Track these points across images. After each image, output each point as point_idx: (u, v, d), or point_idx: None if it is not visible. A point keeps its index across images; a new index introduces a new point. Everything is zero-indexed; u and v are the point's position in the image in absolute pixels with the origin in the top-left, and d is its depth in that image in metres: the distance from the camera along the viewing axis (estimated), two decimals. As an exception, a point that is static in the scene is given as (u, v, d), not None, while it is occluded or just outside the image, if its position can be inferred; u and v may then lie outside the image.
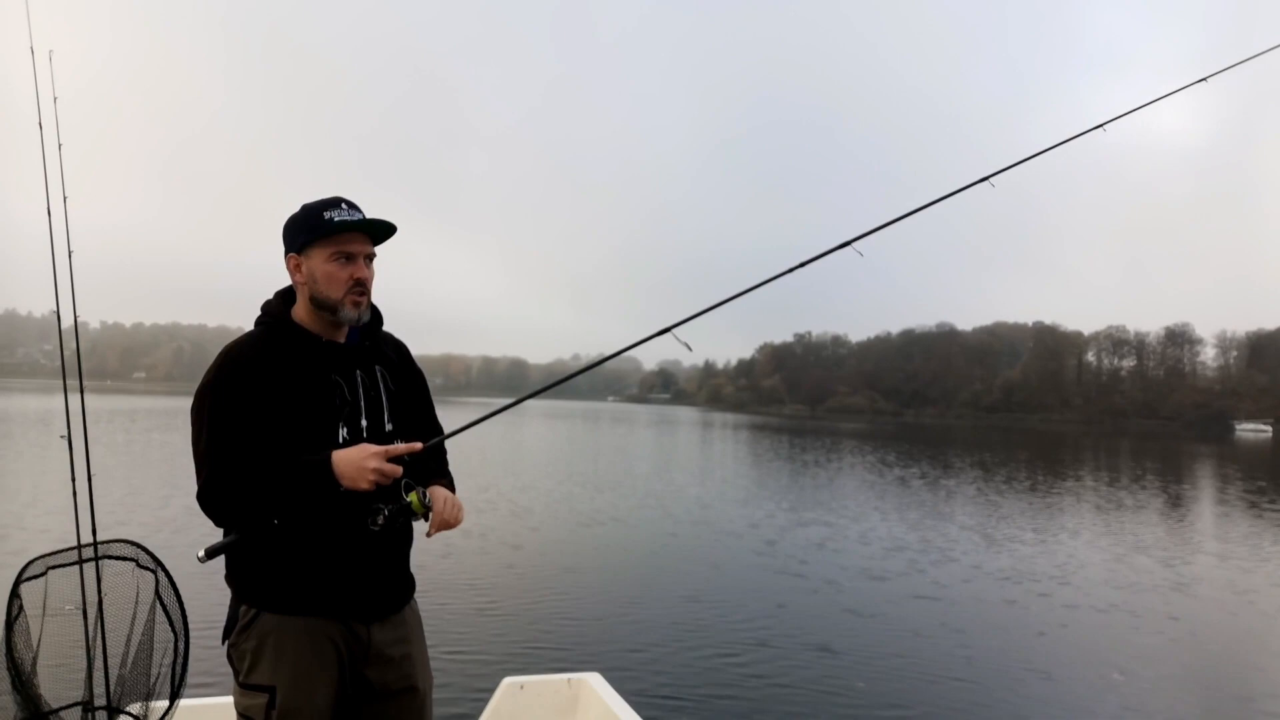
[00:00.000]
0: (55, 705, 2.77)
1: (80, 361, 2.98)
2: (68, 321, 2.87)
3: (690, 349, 2.53)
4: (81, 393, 2.93)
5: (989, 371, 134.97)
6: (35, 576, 2.79)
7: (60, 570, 2.83)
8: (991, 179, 2.89)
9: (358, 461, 2.15)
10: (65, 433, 2.86)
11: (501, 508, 15.79)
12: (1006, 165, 2.94)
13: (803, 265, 2.66)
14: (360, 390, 2.36)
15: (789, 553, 12.64)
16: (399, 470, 2.20)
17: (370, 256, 2.36)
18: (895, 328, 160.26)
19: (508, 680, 3.99)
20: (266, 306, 2.39)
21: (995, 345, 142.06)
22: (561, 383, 2.76)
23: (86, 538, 2.87)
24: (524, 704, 3.91)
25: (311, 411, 2.26)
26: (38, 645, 2.77)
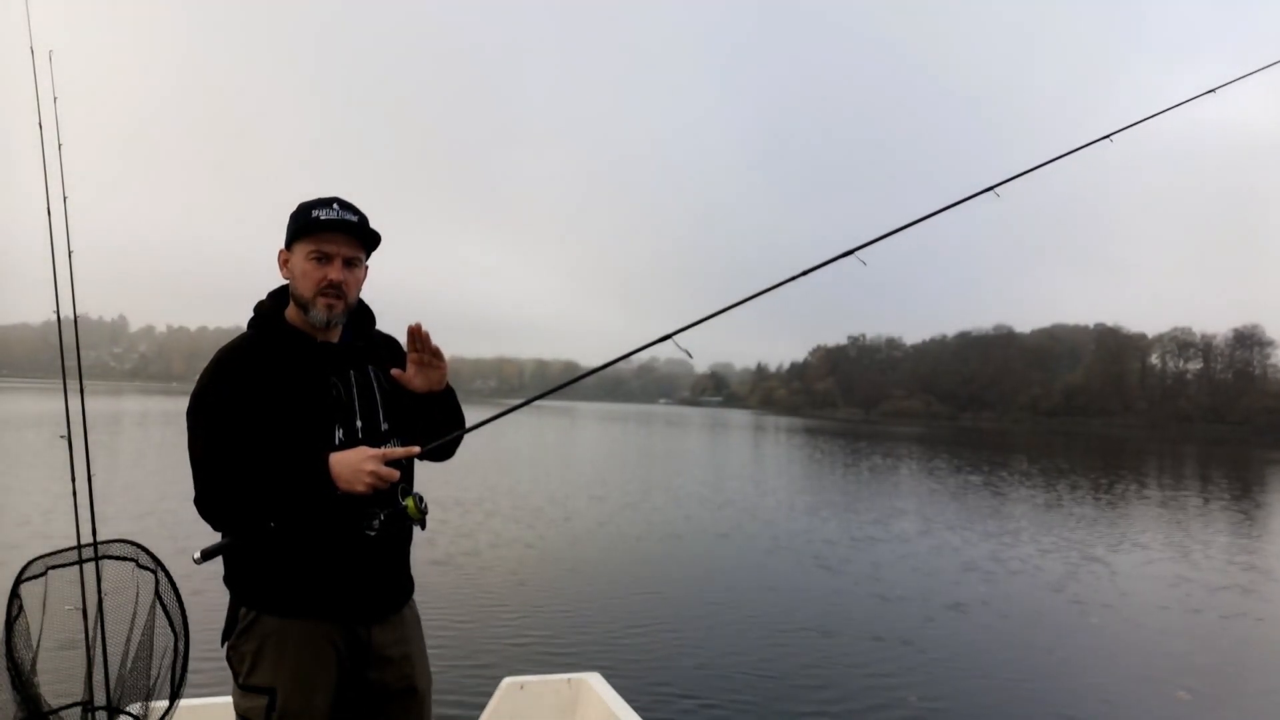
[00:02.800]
0: (55, 705, 2.79)
1: (80, 362, 2.99)
2: (69, 322, 2.88)
3: (690, 356, 2.51)
4: (81, 393, 2.95)
5: (1048, 374, 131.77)
6: (35, 576, 2.80)
7: (60, 570, 2.84)
8: (997, 189, 2.79)
9: (355, 464, 2.14)
10: (65, 433, 2.86)
11: (514, 510, 15.68)
12: (1010, 176, 2.83)
13: (805, 274, 2.59)
14: (354, 390, 2.34)
15: (810, 554, 12.48)
16: (396, 474, 2.18)
17: (351, 261, 2.31)
18: (951, 330, 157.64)
19: (508, 680, 3.99)
20: (259, 307, 2.39)
21: (1054, 348, 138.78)
22: (556, 390, 2.76)
23: (87, 538, 2.88)
24: (524, 704, 3.91)
25: (307, 413, 2.25)
26: (38, 645, 2.78)
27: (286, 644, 2.22)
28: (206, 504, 2.17)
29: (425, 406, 2.44)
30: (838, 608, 9.32)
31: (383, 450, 2.18)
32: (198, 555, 2.14)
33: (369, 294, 2.44)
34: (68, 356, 2.87)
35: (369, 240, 2.34)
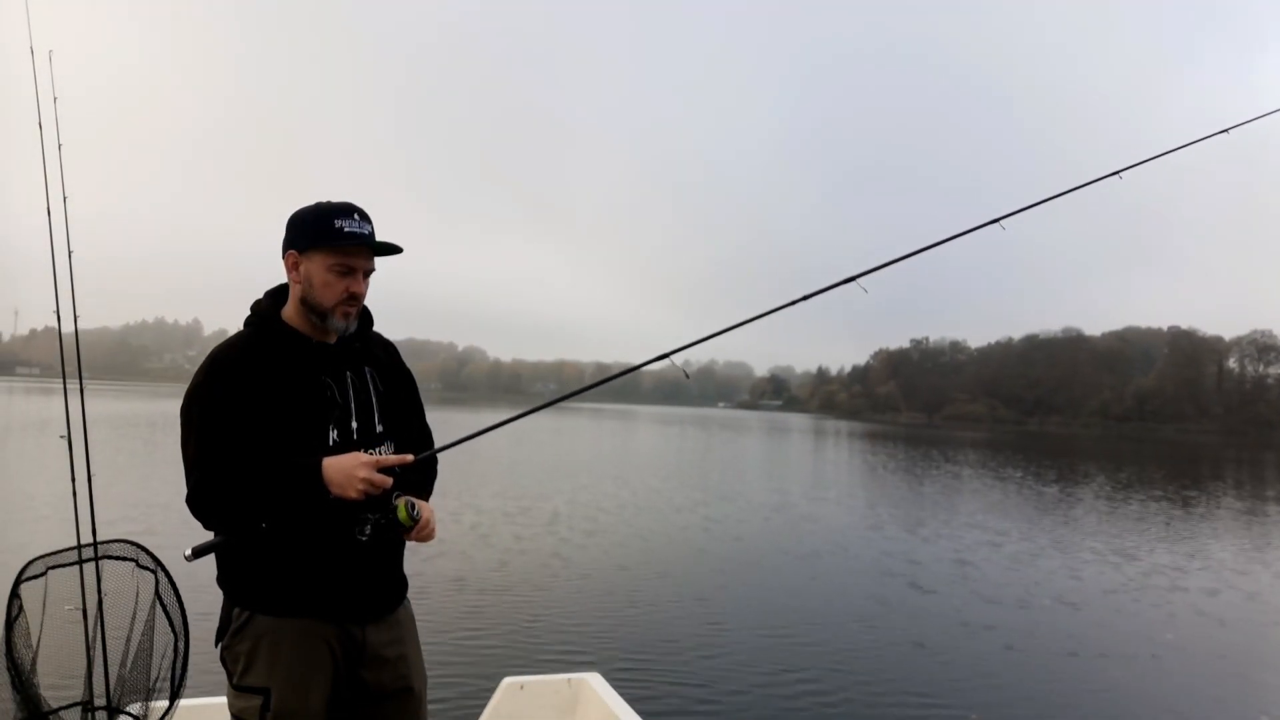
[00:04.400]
0: (55, 705, 2.80)
1: (80, 362, 3.00)
2: (69, 322, 2.89)
3: (688, 375, 2.56)
4: (81, 393, 2.96)
5: (1119, 379, 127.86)
6: (35, 576, 2.81)
7: (60, 570, 2.84)
8: (1001, 221, 2.74)
9: (348, 470, 2.13)
10: (65, 433, 2.88)
11: (517, 510, 15.43)
12: (1016, 209, 2.76)
13: (806, 298, 2.59)
14: (350, 391, 2.34)
15: (825, 557, 12.25)
16: (389, 481, 2.19)
17: (369, 272, 2.34)
18: (1017, 333, 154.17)
19: (508, 680, 3.99)
20: (256, 306, 2.38)
21: (1126, 351, 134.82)
22: (566, 398, 2.73)
23: (87, 538, 2.88)
24: (524, 704, 3.90)
25: (301, 413, 2.24)
26: (38, 645, 2.80)
27: (280, 644, 2.21)
28: (198, 503, 2.17)
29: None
30: (862, 612, 9.10)
31: (376, 458, 2.19)
32: (188, 553, 2.14)
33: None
34: (68, 355, 2.87)
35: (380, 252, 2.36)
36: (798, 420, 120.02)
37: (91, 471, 2.92)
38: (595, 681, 3.97)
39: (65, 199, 2.84)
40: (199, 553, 2.14)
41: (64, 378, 2.86)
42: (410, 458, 2.25)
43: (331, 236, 2.24)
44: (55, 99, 2.88)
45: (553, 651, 7.13)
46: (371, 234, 2.29)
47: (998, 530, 15.89)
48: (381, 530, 2.27)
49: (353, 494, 2.12)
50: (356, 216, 2.27)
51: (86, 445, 2.88)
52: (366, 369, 2.40)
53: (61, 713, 2.80)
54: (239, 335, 2.33)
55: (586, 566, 10.81)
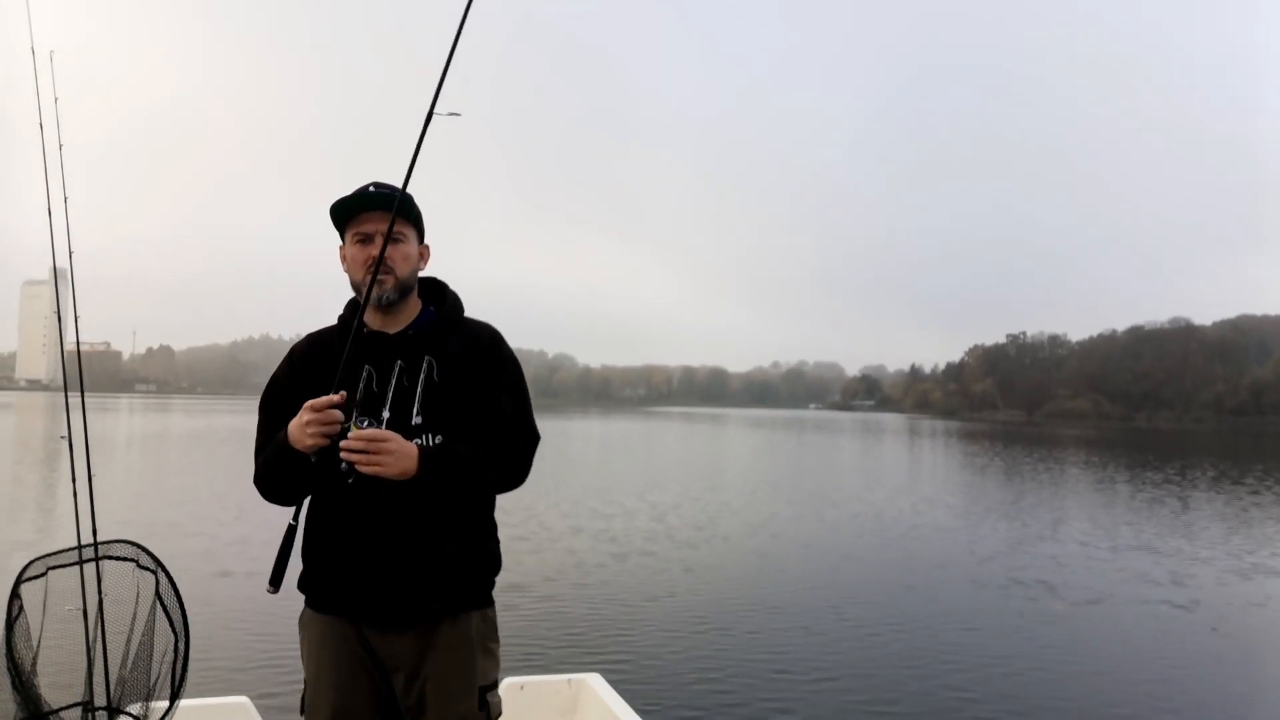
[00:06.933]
0: (55, 705, 2.78)
1: (81, 364, 3.02)
2: (70, 324, 2.91)
3: (459, 114, 2.14)
4: (82, 393, 2.98)
5: (1233, 370, 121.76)
6: (36, 577, 2.81)
7: (61, 570, 2.85)
8: None
9: (298, 421, 2.11)
10: (65, 434, 2.89)
11: (518, 509, 14.83)
12: None
13: None
14: (393, 381, 2.23)
15: (827, 553, 11.89)
16: (336, 415, 2.07)
17: (392, 237, 2.19)
18: (1121, 324, 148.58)
19: (508, 680, 3.90)
20: (350, 303, 2.39)
21: (1240, 340, 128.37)
22: None
23: (87, 538, 2.89)
24: (524, 704, 3.84)
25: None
26: (38, 645, 2.79)
27: (312, 637, 2.27)
28: (256, 480, 2.31)
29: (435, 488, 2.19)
30: (881, 613, 8.68)
31: (318, 400, 2.08)
32: (270, 587, 2.15)
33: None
34: (69, 358, 2.89)
35: (408, 214, 2.26)
36: (892, 420, 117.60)
37: (92, 472, 2.93)
38: (595, 682, 3.93)
39: (65, 199, 2.86)
40: (274, 581, 2.14)
41: (64, 379, 2.89)
42: (338, 417, 2.08)
43: (345, 209, 2.25)
44: (56, 99, 2.91)
45: (553, 652, 7.01)
46: (374, 192, 2.22)
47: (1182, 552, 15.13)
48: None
49: (309, 441, 2.07)
50: (371, 187, 2.24)
51: (87, 446, 2.89)
52: (426, 358, 2.25)
53: (62, 713, 2.79)
54: (323, 329, 2.40)
55: (587, 565, 10.56)
